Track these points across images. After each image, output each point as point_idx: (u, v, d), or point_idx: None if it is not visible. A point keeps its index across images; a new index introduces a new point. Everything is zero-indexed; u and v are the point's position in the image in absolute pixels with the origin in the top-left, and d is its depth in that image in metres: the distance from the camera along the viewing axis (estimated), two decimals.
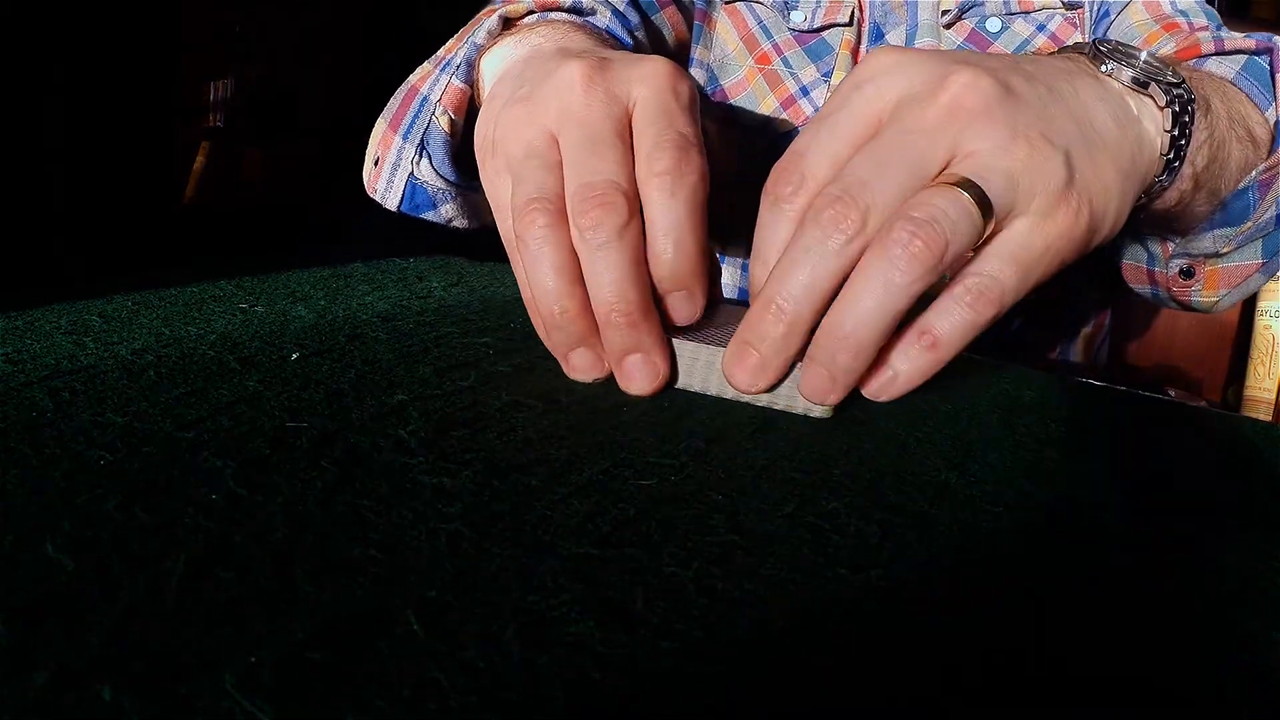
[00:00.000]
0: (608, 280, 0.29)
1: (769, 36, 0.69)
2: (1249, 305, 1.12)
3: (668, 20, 0.70)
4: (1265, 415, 1.06)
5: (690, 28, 0.71)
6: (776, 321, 0.28)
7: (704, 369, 0.31)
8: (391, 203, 0.51)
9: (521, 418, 0.28)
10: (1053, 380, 0.38)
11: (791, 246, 0.28)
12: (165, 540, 0.19)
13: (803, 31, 0.68)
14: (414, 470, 0.23)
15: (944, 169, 0.28)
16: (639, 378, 0.30)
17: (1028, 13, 0.66)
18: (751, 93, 0.69)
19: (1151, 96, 0.35)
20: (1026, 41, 0.65)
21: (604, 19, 0.54)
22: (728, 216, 0.70)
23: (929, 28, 0.65)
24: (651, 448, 0.26)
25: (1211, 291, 0.54)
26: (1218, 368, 1.14)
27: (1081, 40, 0.65)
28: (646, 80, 0.32)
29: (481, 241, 0.56)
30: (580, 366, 0.31)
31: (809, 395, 0.29)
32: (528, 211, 0.30)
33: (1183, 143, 0.37)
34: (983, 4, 0.66)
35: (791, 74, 0.68)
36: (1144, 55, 0.36)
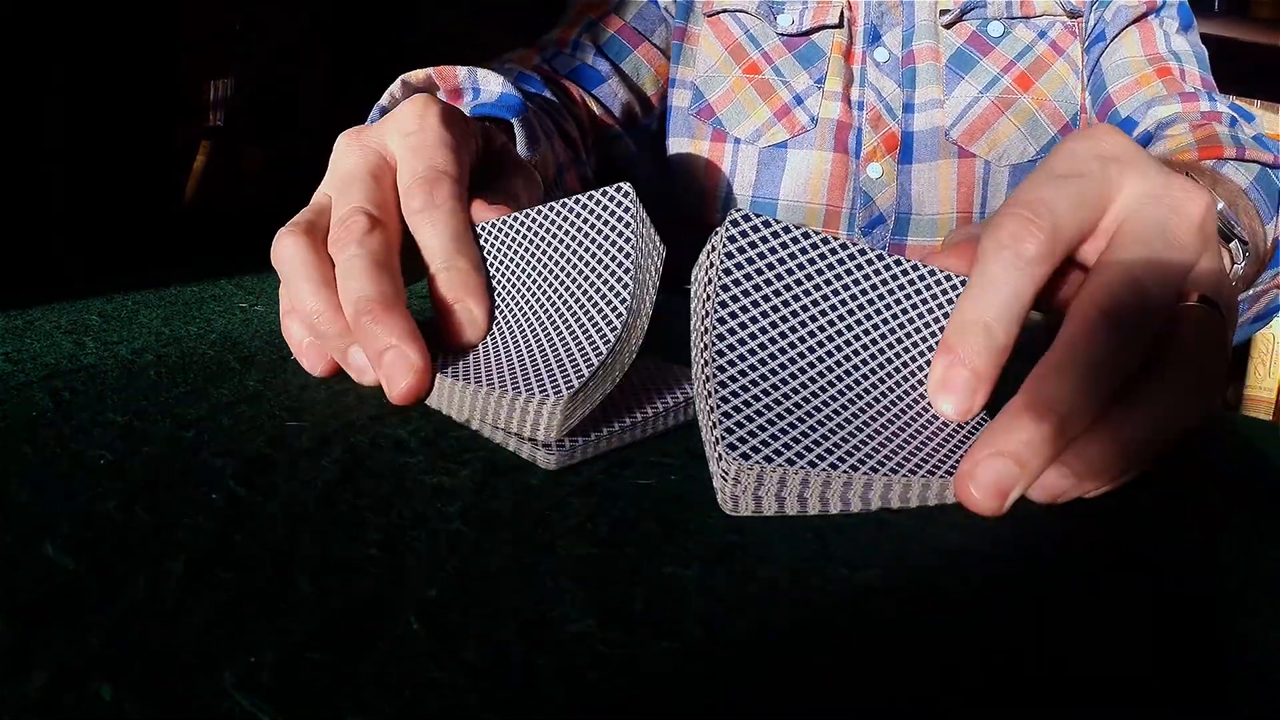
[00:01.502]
0: (351, 284, 0.29)
1: (757, 45, 0.68)
2: None
3: (643, 59, 0.69)
4: (1265, 415, 1.06)
5: (668, 58, 0.71)
6: (1040, 426, 0.23)
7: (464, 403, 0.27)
8: None
9: None
10: None
11: (1077, 344, 0.25)
12: (165, 540, 0.19)
13: (791, 36, 0.67)
14: (414, 470, 0.23)
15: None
16: (399, 373, 0.28)
17: (1029, 18, 0.66)
18: (739, 103, 0.68)
19: (1230, 252, 0.37)
20: (1028, 48, 0.65)
21: (495, 88, 0.50)
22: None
23: (927, 28, 0.65)
24: (651, 448, 0.26)
25: None
26: None
27: (1082, 58, 0.66)
28: (397, 123, 0.34)
29: None
30: (360, 366, 0.30)
31: (1044, 499, 0.24)
32: (281, 234, 0.32)
33: (1239, 272, 0.39)
34: (985, 6, 0.65)
35: (784, 82, 0.67)
36: (1221, 204, 0.37)
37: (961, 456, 0.25)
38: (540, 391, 0.25)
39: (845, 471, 0.23)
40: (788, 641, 0.17)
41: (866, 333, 0.27)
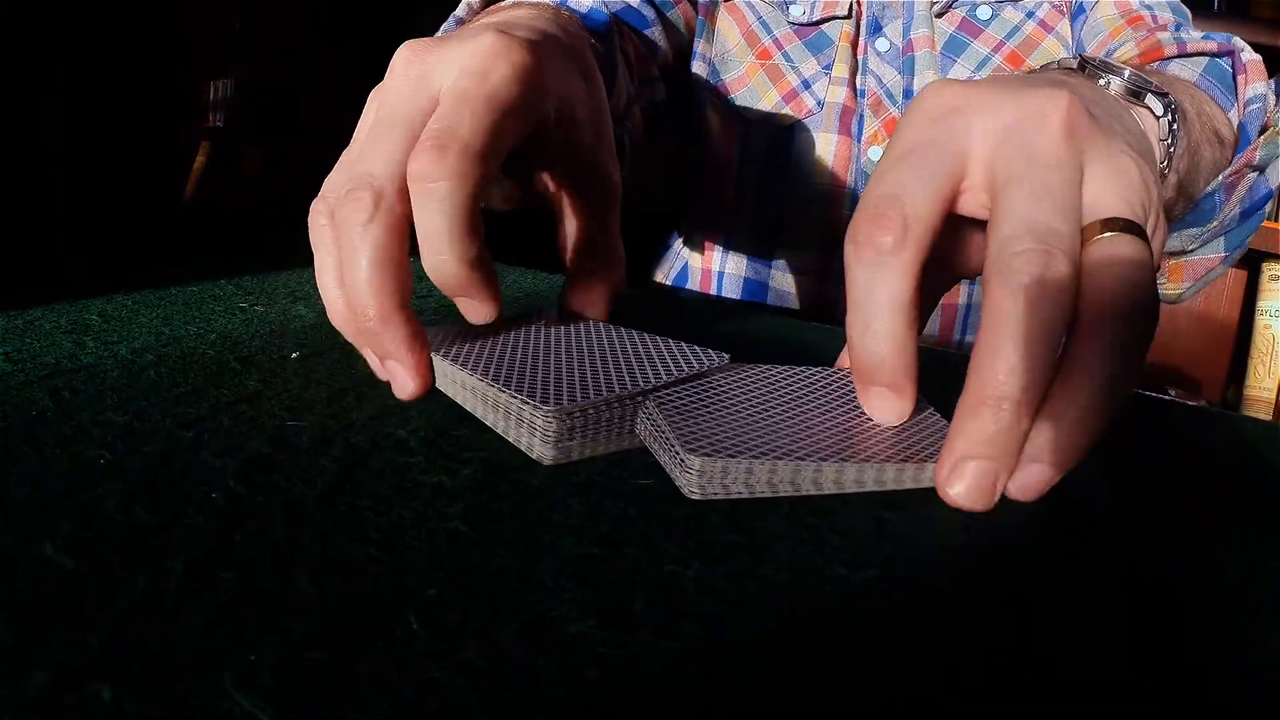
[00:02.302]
0: (349, 282, 0.28)
1: (769, 32, 0.69)
2: (1249, 305, 1.12)
3: (681, 15, 0.70)
4: (1265, 415, 1.07)
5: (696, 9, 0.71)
6: (998, 416, 0.23)
7: (483, 405, 0.27)
8: None
9: None
10: None
11: (1006, 318, 0.23)
12: (165, 540, 0.19)
13: (802, 25, 0.68)
14: (414, 470, 0.23)
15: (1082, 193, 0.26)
16: (399, 381, 0.29)
17: (1016, 0, 0.66)
18: (753, 87, 0.69)
19: (1148, 107, 0.35)
20: (1016, 28, 0.66)
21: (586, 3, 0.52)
22: (731, 207, 0.70)
23: (923, 19, 0.66)
24: None
25: (1175, 284, 0.56)
26: (1218, 367, 1.14)
27: (1070, 34, 0.66)
28: (458, 61, 0.30)
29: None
30: (378, 371, 0.30)
31: (1025, 496, 0.24)
32: (313, 210, 0.30)
33: (1173, 150, 0.36)
34: None
35: (792, 68, 0.68)
36: (1128, 70, 0.35)
37: (911, 439, 0.26)
38: (542, 398, 0.25)
39: (794, 461, 0.24)
40: (787, 641, 0.17)
41: (792, 391, 0.29)
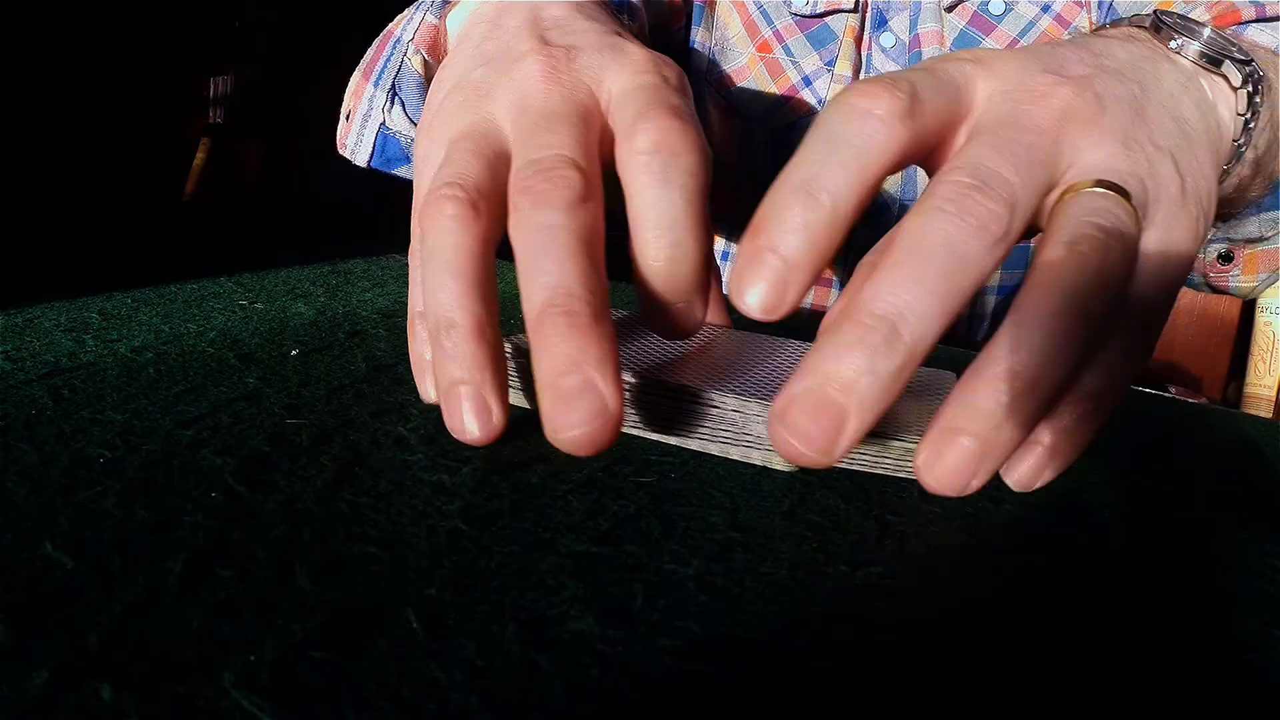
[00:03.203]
0: (547, 266, 0.22)
1: (769, 23, 0.67)
2: (1249, 302, 1.12)
3: None
4: (1266, 412, 1.06)
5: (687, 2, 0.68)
6: (889, 346, 0.20)
7: (726, 424, 0.25)
8: (361, 157, 0.47)
9: (521, 414, 0.28)
10: None
11: (910, 233, 0.21)
12: (165, 538, 0.19)
13: (805, 16, 0.66)
14: (414, 467, 0.23)
15: (1061, 175, 0.24)
16: (580, 409, 0.21)
17: None
18: (752, 80, 0.67)
19: (1225, 76, 0.31)
20: (1031, 24, 0.63)
21: None
22: (730, 208, 0.69)
23: (931, 12, 0.63)
24: (651, 445, 0.26)
25: (1250, 276, 0.51)
26: (1218, 365, 1.14)
27: (1092, 24, 0.63)
28: (623, 66, 0.27)
29: None
30: (459, 413, 0.24)
31: (945, 484, 0.21)
32: (434, 197, 0.24)
33: (1252, 126, 0.32)
34: None
35: (793, 63, 0.66)
36: (1208, 29, 0.31)
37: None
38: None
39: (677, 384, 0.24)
40: (788, 639, 0.17)
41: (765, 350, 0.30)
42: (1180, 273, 0.25)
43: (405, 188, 0.49)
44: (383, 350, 0.33)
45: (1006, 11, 0.63)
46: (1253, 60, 0.32)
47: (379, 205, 0.52)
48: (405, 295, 0.43)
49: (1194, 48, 0.31)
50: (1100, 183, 0.23)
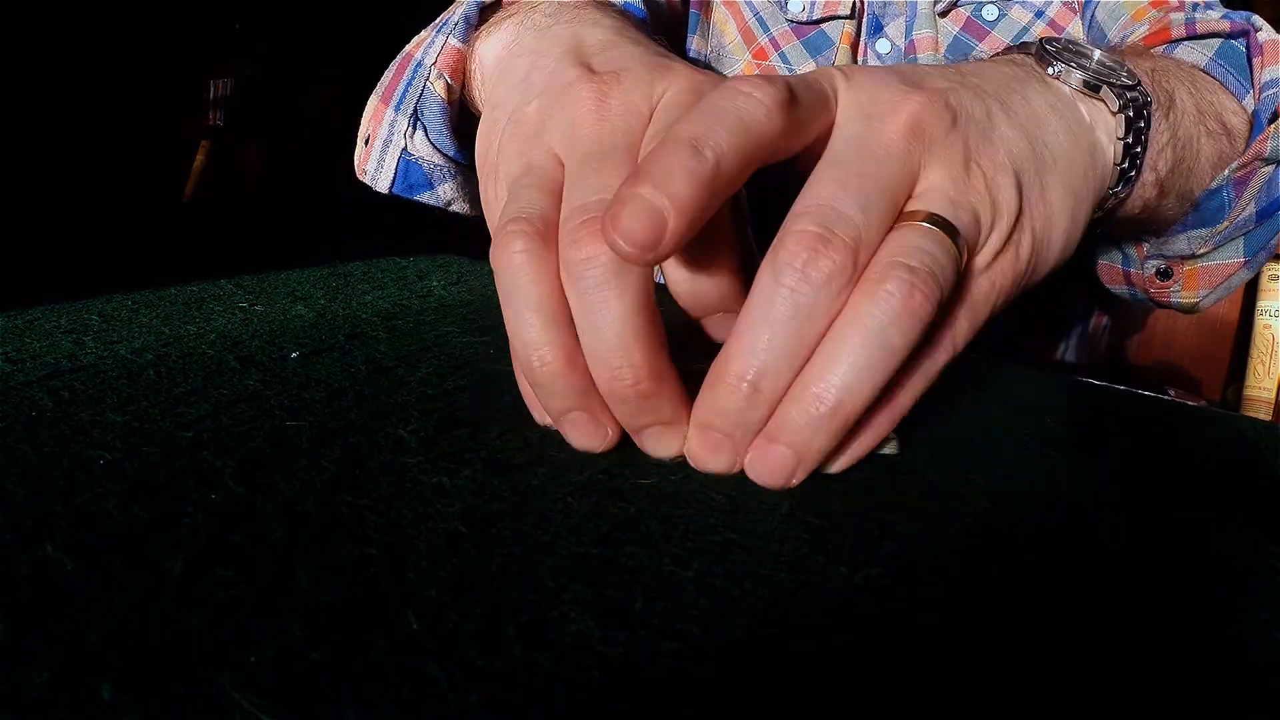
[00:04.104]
0: (606, 335, 0.23)
1: (765, 29, 0.67)
2: (1249, 304, 1.12)
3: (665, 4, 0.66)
4: (1265, 415, 1.06)
5: (685, 8, 0.68)
6: (752, 403, 0.23)
7: None
8: (382, 184, 0.46)
9: (521, 417, 0.28)
10: (1053, 380, 0.38)
11: (757, 301, 0.22)
12: (164, 540, 0.19)
13: (801, 23, 0.66)
14: (414, 469, 0.23)
15: (908, 194, 0.25)
16: (668, 447, 0.25)
17: None
18: None
19: (1104, 101, 0.32)
20: (1025, 29, 0.63)
21: None
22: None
23: (926, 17, 0.63)
24: None
25: (1191, 292, 0.52)
26: (1217, 367, 1.14)
27: (1082, 31, 0.64)
28: (673, 82, 0.28)
29: (482, 240, 0.55)
30: (579, 435, 0.25)
31: (766, 480, 0.24)
32: (504, 233, 0.24)
33: (1138, 150, 0.33)
34: None
35: (790, 70, 0.65)
36: (1097, 55, 0.33)
37: None
38: None
39: None
40: (787, 641, 0.17)
41: None
42: (994, 293, 0.27)
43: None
44: (382, 352, 0.33)
45: (1000, 17, 0.63)
46: (1137, 85, 0.33)
47: (379, 208, 0.52)
48: (404, 297, 0.43)
49: (1076, 75, 0.32)
50: (931, 216, 0.24)
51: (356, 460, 0.24)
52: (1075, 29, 0.63)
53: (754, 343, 0.22)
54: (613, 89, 0.28)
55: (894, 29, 0.65)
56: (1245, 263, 0.49)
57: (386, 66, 0.49)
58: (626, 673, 0.16)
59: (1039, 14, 0.63)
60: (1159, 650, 0.18)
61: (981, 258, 0.26)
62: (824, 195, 0.23)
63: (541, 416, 0.26)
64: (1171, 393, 0.97)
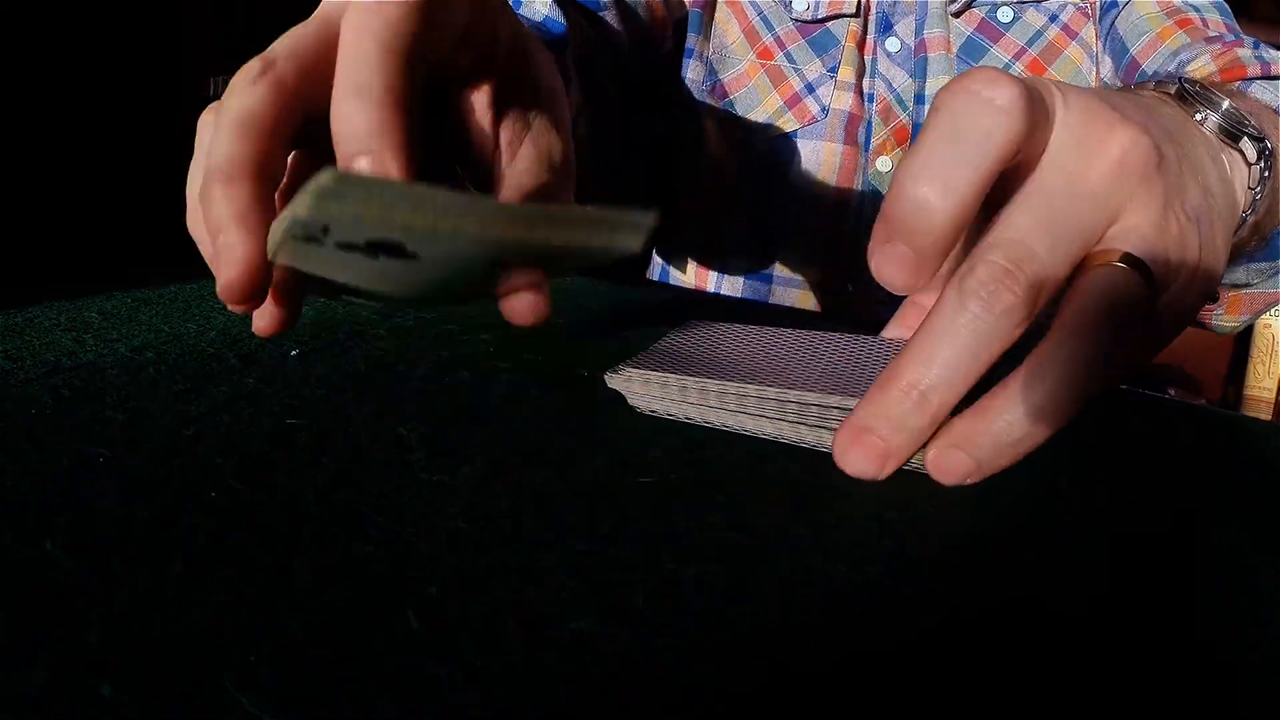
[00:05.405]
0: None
1: (770, 29, 0.66)
2: None
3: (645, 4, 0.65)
4: (1265, 414, 1.06)
5: (669, 7, 0.68)
6: (919, 410, 0.23)
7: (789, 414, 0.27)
8: None
9: (521, 415, 0.28)
10: None
11: (940, 319, 0.23)
12: (164, 538, 0.19)
13: (806, 22, 0.65)
14: (414, 467, 0.23)
15: (1105, 231, 0.25)
16: (225, 262, 0.23)
17: (1039, 1, 0.63)
18: (753, 88, 0.66)
19: (1241, 151, 0.32)
20: (1040, 33, 0.63)
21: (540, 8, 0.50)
22: (727, 221, 0.68)
23: (938, 17, 0.63)
24: (651, 445, 0.26)
25: (1233, 316, 0.54)
26: (1218, 367, 1.14)
27: (1097, 37, 0.64)
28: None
29: None
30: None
31: (945, 478, 0.24)
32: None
33: (1259, 199, 0.33)
34: None
35: (795, 70, 0.65)
36: (1226, 103, 0.32)
37: (848, 378, 0.27)
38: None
39: (720, 380, 0.27)
40: (788, 639, 0.17)
41: (789, 342, 0.31)
42: (1173, 330, 0.27)
43: None
44: (383, 350, 0.33)
45: (1015, 20, 0.63)
46: (1265, 137, 0.33)
47: None
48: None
49: (1214, 120, 0.32)
50: (1127, 257, 0.24)
51: (356, 458, 0.24)
52: (1089, 34, 0.63)
53: (931, 356, 0.23)
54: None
55: (903, 28, 0.64)
56: None
57: None
58: (626, 671, 0.16)
59: (1053, 18, 0.63)
60: (1159, 650, 0.18)
61: (1161, 304, 0.26)
62: (1021, 229, 0.24)
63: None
64: (1172, 392, 0.97)
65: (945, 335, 0.23)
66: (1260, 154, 0.32)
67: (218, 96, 0.28)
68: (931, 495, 0.24)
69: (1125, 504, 0.25)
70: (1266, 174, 0.33)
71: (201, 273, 0.26)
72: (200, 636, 0.16)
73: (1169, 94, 0.33)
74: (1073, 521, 0.24)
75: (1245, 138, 0.32)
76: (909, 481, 0.25)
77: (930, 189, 0.24)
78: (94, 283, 0.41)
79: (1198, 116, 0.32)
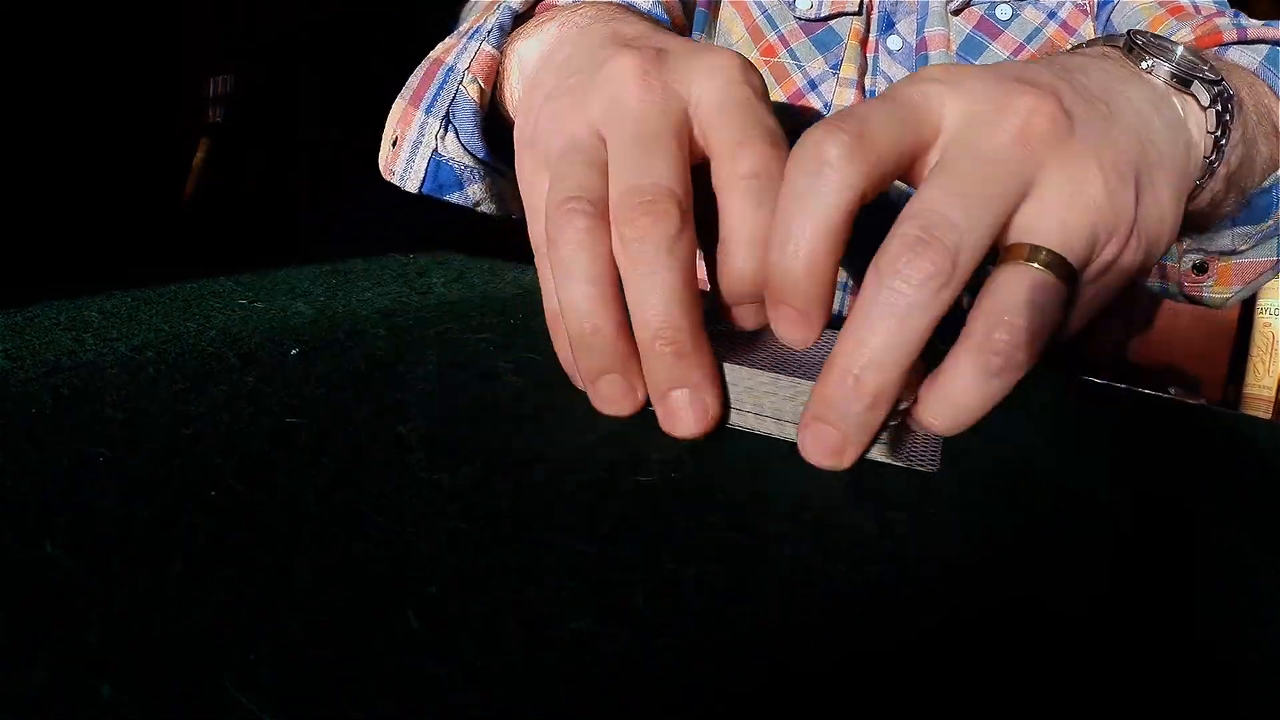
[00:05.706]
0: (654, 301, 0.25)
1: (774, 27, 0.67)
2: (1249, 303, 1.12)
3: (663, 2, 0.67)
4: (1265, 413, 1.06)
5: (687, 13, 0.67)
6: (857, 395, 0.24)
7: (757, 397, 0.28)
8: (412, 184, 0.48)
9: (522, 414, 0.28)
10: (1052, 378, 0.38)
11: (863, 301, 0.24)
12: (164, 537, 0.19)
13: (810, 20, 0.66)
14: (414, 467, 0.23)
15: (1018, 201, 0.25)
16: (686, 417, 0.26)
17: None
18: None
19: (1194, 96, 0.32)
20: (1038, 30, 0.63)
21: (646, 2, 0.51)
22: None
23: (938, 16, 0.63)
24: (652, 444, 0.26)
25: (1224, 287, 0.53)
26: (1218, 366, 1.14)
27: (1095, 32, 0.64)
28: (713, 74, 0.28)
29: (482, 238, 0.55)
30: (610, 396, 0.27)
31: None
32: (564, 211, 0.26)
33: (1223, 143, 0.34)
34: None
35: (799, 66, 0.66)
36: (1180, 50, 0.33)
37: None
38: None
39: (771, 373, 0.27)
40: (788, 639, 0.17)
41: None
42: (1107, 292, 0.27)
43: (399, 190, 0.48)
44: (382, 350, 0.33)
45: (1013, 17, 0.64)
46: (1223, 79, 0.33)
47: (379, 205, 0.52)
48: (404, 294, 0.43)
49: (1165, 69, 0.32)
50: (1037, 252, 0.24)
51: (356, 457, 0.24)
52: (1087, 30, 0.64)
53: (860, 339, 0.24)
54: (653, 66, 0.28)
55: (905, 26, 0.65)
56: (1276, 263, 0.50)
57: (387, 65, 0.49)
58: (626, 671, 0.16)
59: (1052, 15, 0.64)
60: (1159, 649, 0.18)
61: (1092, 270, 0.27)
62: (929, 200, 0.24)
63: (576, 377, 0.29)
64: (1172, 391, 0.96)
65: (869, 317, 0.23)
66: (1216, 97, 0.33)
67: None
68: (932, 495, 0.24)
69: (1125, 503, 0.25)
70: (1227, 117, 0.33)
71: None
72: (200, 636, 0.16)
73: (1116, 46, 0.33)
74: (1073, 521, 0.24)
75: (1197, 81, 0.32)
76: (909, 481, 0.25)
77: (779, 254, 0.25)
78: (94, 282, 0.41)
79: (1144, 64, 0.32)
